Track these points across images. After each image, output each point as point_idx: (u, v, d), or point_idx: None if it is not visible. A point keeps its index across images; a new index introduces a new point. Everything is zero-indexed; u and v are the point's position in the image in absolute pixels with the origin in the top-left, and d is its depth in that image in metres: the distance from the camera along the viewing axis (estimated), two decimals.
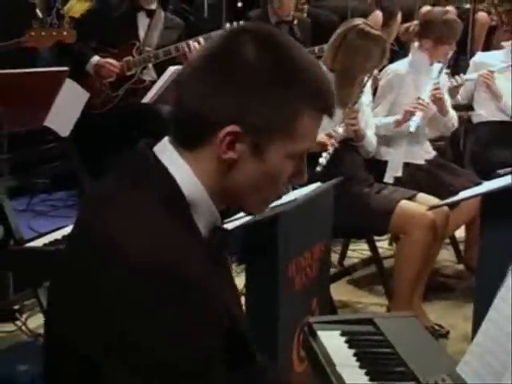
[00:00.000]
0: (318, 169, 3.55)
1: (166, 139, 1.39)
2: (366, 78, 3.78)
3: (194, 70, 1.37)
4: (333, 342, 1.99)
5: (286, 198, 2.83)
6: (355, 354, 1.92)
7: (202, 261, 1.28)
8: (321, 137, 3.60)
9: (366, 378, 1.81)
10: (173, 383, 1.22)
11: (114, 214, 1.31)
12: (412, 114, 4.03)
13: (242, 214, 2.54)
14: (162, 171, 1.35)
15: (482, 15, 6.42)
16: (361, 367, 1.86)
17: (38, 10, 5.01)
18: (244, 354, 1.43)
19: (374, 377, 1.81)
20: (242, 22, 4.43)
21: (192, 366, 1.23)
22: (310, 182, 3.19)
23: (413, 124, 4.02)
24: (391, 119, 4.09)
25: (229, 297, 1.36)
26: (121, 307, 1.23)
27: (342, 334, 2.02)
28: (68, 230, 3.02)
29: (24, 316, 3.61)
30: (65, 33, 4.07)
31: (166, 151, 1.37)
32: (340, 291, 4.07)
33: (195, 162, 1.35)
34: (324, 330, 2.04)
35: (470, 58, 5.21)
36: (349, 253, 4.57)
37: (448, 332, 3.65)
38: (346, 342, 1.98)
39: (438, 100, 4.17)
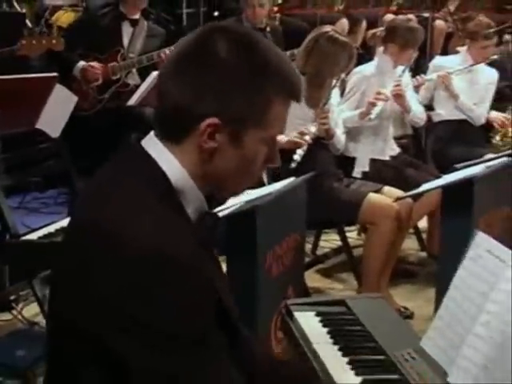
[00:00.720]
0: (293, 165, 3.56)
1: (152, 133, 1.40)
2: (334, 81, 3.80)
3: (172, 68, 1.37)
4: (308, 321, 2.01)
5: (262, 192, 2.85)
6: (329, 332, 1.94)
7: (193, 244, 1.30)
8: (294, 135, 3.62)
9: (339, 354, 1.84)
10: (174, 352, 1.24)
11: (109, 204, 1.32)
12: (374, 104, 4.07)
13: (221, 207, 2.57)
14: (151, 163, 1.36)
15: (439, 23, 6.47)
16: (334, 344, 1.88)
17: (27, 20, 4.98)
18: (232, 332, 1.45)
19: (347, 352, 1.84)
20: None
21: (190, 336, 1.25)
22: (285, 177, 3.23)
23: (373, 112, 4.07)
24: (356, 112, 4.11)
25: (217, 277, 1.37)
26: (122, 289, 1.24)
27: (317, 315, 2.04)
28: (61, 224, 3.03)
29: (20, 306, 3.59)
30: (54, 41, 4.05)
31: (152, 144, 1.38)
32: (313, 278, 4.10)
33: (180, 152, 1.36)
34: (300, 311, 2.06)
35: (429, 61, 5.23)
36: (321, 243, 4.58)
37: (412, 313, 3.67)
38: (321, 321, 2.00)
39: (398, 96, 4.21)
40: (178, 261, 1.25)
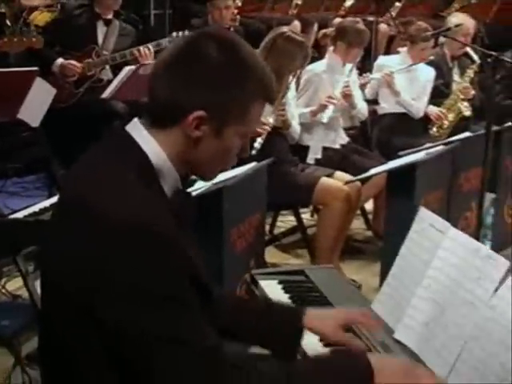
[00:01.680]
0: (253, 152, 3.58)
1: (135, 120, 1.43)
2: (291, 77, 3.82)
3: (164, 68, 1.40)
4: (272, 288, 2.04)
5: (228, 175, 2.87)
6: (290, 297, 1.99)
7: (169, 217, 1.34)
8: None
9: None
10: (154, 309, 1.28)
11: (96, 181, 1.35)
12: (325, 107, 4.12)
13: (191, 188, 2.58)
14: (135, 145, 1.39)
15: (383, 26, 6.48)
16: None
17: (7, 20, 4.90)
18: (206, 294, 1.47)
19: None
20: (186, 31, 4.46)
21: (169, 295, 1.29)
22: (246, 163, 3.24)
23: (325, 116, 4.12)
24: (308, 109, 4.14)
25: (189, 247, 1.40)
26: (107, 257, 1.27)
27: (279, 283, 2.08)
28: (44, 204, 3.00)
29: (3, 280, 3.55)
30: (34, 39, 4.01)
31: (136, 130, 1.41)
32: (271, 255, 4.07)
33: (163, 138, 1.39)
34: (264, 279, 2.10)
35: (374, 61, 5.23)
36: (278, 223, 4.58)
37: (360, 285, 3.69)
38: (283, 288, 2.04)
39: (347, 96, 4.27)
40: (156, 231, 1.29)
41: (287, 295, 2.00)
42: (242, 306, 1.74)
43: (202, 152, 1.41)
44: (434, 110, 4.95)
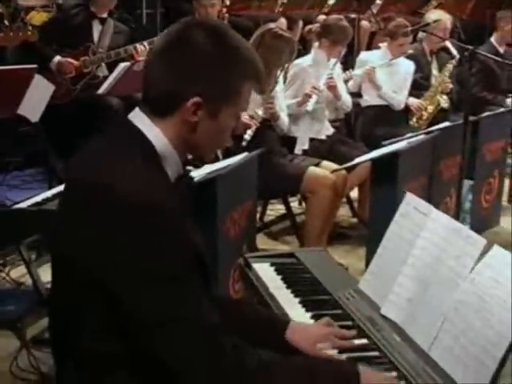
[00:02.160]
0: (244, 143, 3.61)
1: (137, 109, 1.44)
2: (279, 71, 3.85)
3: (158, 58, 1.41)
4: (264, 270, 2.06)
5: (221, 165, 2.90)
6: (282, 279, 2.00)
7: (174, 198, 1.36)
8: (244, 118, 3.65)
9: (292, 296, 1.91)
10: (160, 285, 1.30)
11: (104, 164, 1.37)
12: (309, 96, 4.15)
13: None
14: (138, 133, 1.41)
15: (364, 23, 6.50)
16: (287, 288, 1.95)
17: (5, 20, 4.88)
18: (207, 275, 1.49)
19: (298, 294, 1.91)
20: None
21: (173, 272, 1.31)
22: (237, 154, 3.25)
23: (310, 104, 4.15)
24: (294, 100, 4.16)
25: (190, 228, 1.42)
26: (117, 234, 1.29)
27: (271, 265, 2.10)
28: (46, 194, 3.01)
29: (7, 268, 3.57)
30: (29, 32, 4.01)
31: (139, 118, 1.43)
32: (261, 241, 4.10)
33: (164, 125, 1.41)
34: (257, 262, 2.11)
35: (357, 56, 5.27)
36: (268, 212, 4.59)
37: (347, 268, 3.68)
38: (275, 270, 2.06)
39: (331, 87, 4.29)
40: (167, 210, 1.32)
41: (279, 277, 2.02)
42: (235, 311, 1.73)
43: (200, 135, 1.43)
44: (414, 102, 5.00)
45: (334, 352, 1.62)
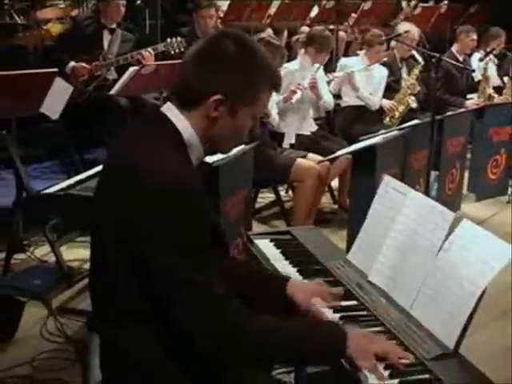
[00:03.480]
0: None
1: (169, 103, 1.49)
2: None
3: (191, 60, 1.47)
4: (265, 245, 2.10)
5: (222, 156, 2.93)
6: (281, 252, 2.04)
7: (196, 180, 1.42)
8: None
9: (290, 266, 1.95)
10: (186, 255, 1.35)
11: (139, 149, 1.42)
12: (294, 92, 4.20)
13: None
14: (168, 123, 1.46)
15: (341, 34, 6.58)
16: (285, 259, 1.99)
17: (25, 30, 4.89)
18: (225, 248, 1.58)
19: (295, 264, 1.96)
20: (178, 37, 4.52)
21: (196, 245, 1.37)
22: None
23: (294, 98, 4.20)
24: (281, 96, 4.18)
25: (209, 206, 1.46)
26: (149, 210, 1.34)
27: (271, 241, 2.13)
28: (69, 182, 3.05)
29: (31, 248, 3.62)
30: (43, 32, 4.07)
31: (170, 110, 1.47)
32: (253, 226, 4.13)
33: (190, 117, 1.46)
34: (258, 239, 2.15)
35: (336, 61, 5.34)
36: (258, 199, 4.60)
37: None
38: (275, 245, 2.09)
39: (312, 87, 4.34)
40: (192, 189, 1.37)
41: (278, 250, 2.06)
42: (245, 269, 1.77)
43: (219, 129, 1.47)
44: (387, 103, 5.05)
45: (329, 311, 1.68)
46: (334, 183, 4.70)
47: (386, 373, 1.43)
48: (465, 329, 1.50)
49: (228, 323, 1.38)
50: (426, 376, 1.43)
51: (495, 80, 6.19)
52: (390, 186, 1.88)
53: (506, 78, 6.11)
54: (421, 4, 7.45)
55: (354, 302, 1.74)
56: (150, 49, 4.41)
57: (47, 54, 4.36)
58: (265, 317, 1.46)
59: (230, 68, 1.43)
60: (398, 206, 1.80)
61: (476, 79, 6.03)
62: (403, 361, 1.45)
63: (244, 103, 1.46)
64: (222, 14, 5.72)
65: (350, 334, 1.45)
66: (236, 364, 1.45)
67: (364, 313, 1.69)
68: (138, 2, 6.28)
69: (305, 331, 1.47)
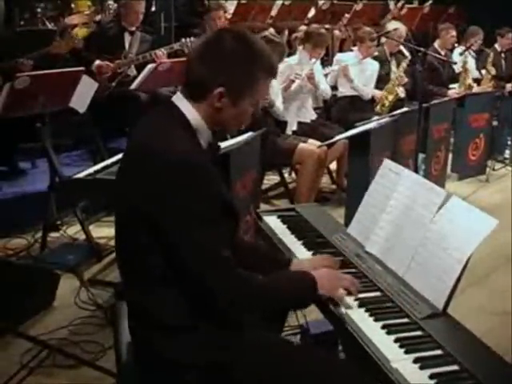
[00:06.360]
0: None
1: (179, 93, 1.49)
2: None
3: (196, 55, 1.46)
4: (273, 221, 2.10)
5: (232, 142, 2.90)
6: (288, 227, 2.04)
7: (206, 159, 1.42)
8: None
9: (295, 239, 1.96)
10: (199, 226, 1.36)
11: (155, 133, 1.43)
12: (293, 81, 4.18)
13: None
14: (179, 111, 1.46)
15: (336, 32, 6.53)
16: (291, 234, 2.00)
17: (57, 34, 4.85)
18: (237, 219, 1.56)
19: (300, 238, 1.96)
20: (192, 38, 4.47)
21: (210, 215, 1.37)
22: (245, 132, 3.25)
23: (293, 86, 4.18)
24: (281, 86, 4.15)
25: (221, 182, 1.48)
26: (166, 185, 1.35)
27: (278, 217, 2.13)
28: (95, 168, 3.04)
29: (64, 227, 3.63)
30: (76, 41, 4.06)
31: (180, 100, 1.48)
32: (260, 205, 4.10)
33: (198, 107, 1.46)
34: (267, 215, 2.15)
35: (331, 57, 5.31)
36: (264, 181, 4.51)
37: None
38: (281, 221, 2.10)
39: (310, 78, 4.31)
40: (203, 166, 1.38)
41: (285, 225, 2.06)
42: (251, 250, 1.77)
43: (224, 117, 1.47)
44: (378, 93, 5.01)
45: None
46: (333, 165, 4.69)
47: (355, 302, 1.55)
48: (452, 292, 1.50)
49: (238, 281, 1.41)
50: (419, 333, 1.46)
51: (474, 72, 6.14)
52: (387, 168, 1.87)
53: (483, 71, 6.08)
54: (407, 5, 7.40)
55: (353, 270, 1.74)
56: (163, 48, 4.39)
57: (75, 54, 4.32)
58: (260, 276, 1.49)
59: (229, 63, 1.43)
60: (394, 185, 1.79)
61: (457, 71, 5.97)
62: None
63: (244, 93, 1.45)
64: (229, 16, 5.66)
65: (316, 278, 1.53)
66: (247, 313, 1.47)
67: (362, 279, 1.69)
68: (153, 8, 6.21)
69: (287, 283, 1.53)
